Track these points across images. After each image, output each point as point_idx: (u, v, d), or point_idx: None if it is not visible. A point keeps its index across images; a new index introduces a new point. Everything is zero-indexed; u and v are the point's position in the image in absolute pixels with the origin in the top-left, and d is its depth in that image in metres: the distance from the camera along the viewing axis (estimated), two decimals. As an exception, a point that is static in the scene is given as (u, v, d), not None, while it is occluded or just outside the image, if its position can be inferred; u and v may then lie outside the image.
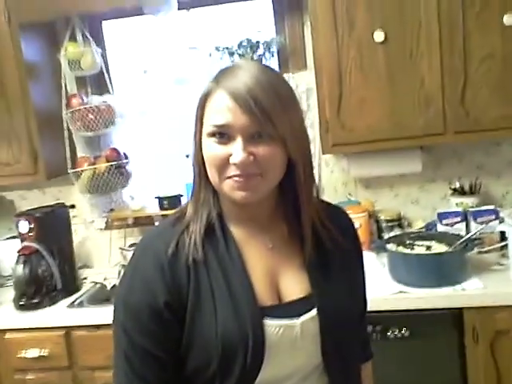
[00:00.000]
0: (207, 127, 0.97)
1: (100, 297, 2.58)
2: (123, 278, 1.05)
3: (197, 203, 1.04)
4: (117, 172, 2.68)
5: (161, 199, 2.75)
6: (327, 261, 1.06)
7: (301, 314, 1.01)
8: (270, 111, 0.93)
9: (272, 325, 0.98)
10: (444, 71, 2.11)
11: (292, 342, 0.99)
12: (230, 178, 0.96)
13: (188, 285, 0.97)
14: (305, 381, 1.04)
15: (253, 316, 0.96)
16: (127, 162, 2.74)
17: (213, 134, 0.96)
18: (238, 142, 0.94)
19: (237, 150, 0.94)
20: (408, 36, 2.12)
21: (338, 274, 1.07)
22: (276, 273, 1.04)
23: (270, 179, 0.99)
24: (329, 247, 1.06)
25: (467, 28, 2.07)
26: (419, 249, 2.14)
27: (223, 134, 0.95)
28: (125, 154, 2.75)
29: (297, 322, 1.00)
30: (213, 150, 0.96)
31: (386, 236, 2.43)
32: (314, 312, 1.01)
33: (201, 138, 1.00)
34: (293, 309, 1.01)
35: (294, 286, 1.04)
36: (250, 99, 0.92)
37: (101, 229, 2.92)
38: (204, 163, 1.00)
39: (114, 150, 2.71)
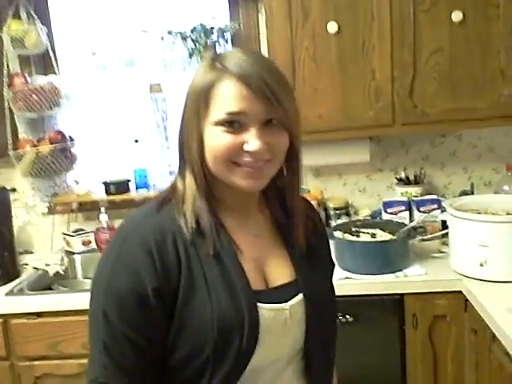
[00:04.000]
0: (216, 115, 0.93)
1: (41, 283, 2.50)
2: (103, 263, 0.99)
3: (188, 192, 1.00)
4: (61, 155, 2.60)
5: (107, 184, 2.69)
6: (308, 249, 1.09)
7: (288, 299, 1.03)
8: (280, 97, 0.93)
9: (265, 308, 0.98)
10: (394, 64, 2.16)
11: (282, 326, 1.01)
12: (239, 165, 0.95)
13: (179, 269, 0.94)
14: (287, 367, 1.05)
15: (248, 299, 0.96)
16: (72, 145, 2.66)
17: (222, 123, 0.93)
18: (253, 130, 0.93)
19: (252, 139, 0.93)
20: (360, 28, 2.16)
21: (318, 263, 1.11)
22: (262, 260, 1.05)
23: (277, 165, 1.00)
24: (308, 237, 1.09)
25: (417, 22, 2.12)
26: (364, 236, 2.20)
27: (234, 123, 0.93)
28: (70, 136, 2.66)
29: (286, 305, 1.02)
30: (223, 138, 0.93)
31: (333, 223, 2.49)
32: (300, 297, 1.04)
33: (201, 128, 0.96)
34: (280, 294, 1.03)
35: (280, 272, 1.06)
36: (264, 85, 0.91)
37: (43, 213, 2.83)
38: (200, 152, 0.97)
39: (59, 132, 2.63)
